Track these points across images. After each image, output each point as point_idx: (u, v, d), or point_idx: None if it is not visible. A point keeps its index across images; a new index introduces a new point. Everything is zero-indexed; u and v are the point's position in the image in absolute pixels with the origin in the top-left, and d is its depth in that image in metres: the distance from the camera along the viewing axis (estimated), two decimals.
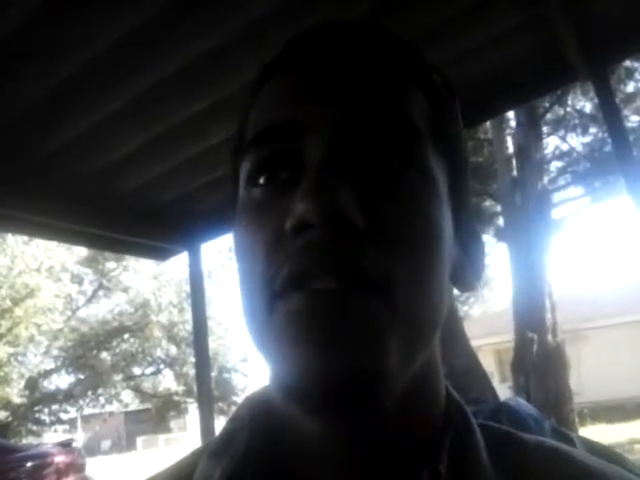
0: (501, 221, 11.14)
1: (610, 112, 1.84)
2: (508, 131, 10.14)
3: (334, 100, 0.42)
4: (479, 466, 0.42)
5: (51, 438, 19.16)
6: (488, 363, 12.23)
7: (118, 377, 22.57)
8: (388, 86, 0.44)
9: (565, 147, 11.93)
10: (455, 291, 0.50)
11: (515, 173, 9.65)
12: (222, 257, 19.92)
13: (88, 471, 10.21)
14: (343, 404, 0.36)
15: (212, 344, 17.86)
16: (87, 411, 24.53)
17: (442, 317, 0.43)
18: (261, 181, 0.43)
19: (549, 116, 11.17)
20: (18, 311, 17.09)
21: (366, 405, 0.37)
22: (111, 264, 21.58)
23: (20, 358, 19.84)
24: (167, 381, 25.36)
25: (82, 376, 22.12)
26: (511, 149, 9.89)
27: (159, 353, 23.88)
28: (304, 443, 0.42)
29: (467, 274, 0.48)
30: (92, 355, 21.78)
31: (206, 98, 1.81)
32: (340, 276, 0.36)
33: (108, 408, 24.52)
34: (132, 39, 1.49)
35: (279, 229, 0.39)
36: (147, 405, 27.14)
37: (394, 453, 0.41)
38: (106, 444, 29.80)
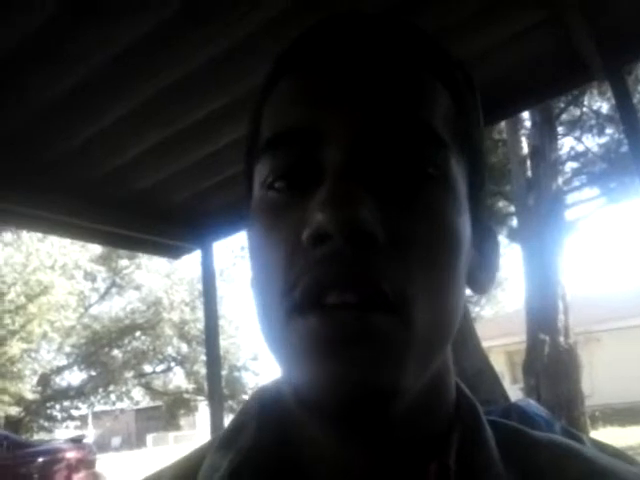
0: (515, 222, 11.08)
1: (627, 112, 1.81)
2: (523, 131, 10.07)
3: (354, 104, 0.41)
4: (488, 461, 0.42)
5: (62, 434, 19.35)
6: (499, 364, 12.19)
7: (129, 374, 22.73)
8: (410, 88, 0.42)
9: (581, 148, 11.86)
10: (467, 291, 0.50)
11: (529, 174, 9.60)
12: (234, 256, 19.99)
13: (98, 467, 10.30)
14: (357, 417, 0.36)
15: (223, 342, 17.92)
16: (98, 408, 24.78)
17: (456, 327, 0.43)
18: (277, 185, 0.42)
19: (565, 116, 11.11)
20: (32, 308, 17.26)
21: (379, 418, 0.37)
22: (124, 262, 21.75)
23: (33, 354, 20.05)
24: (178, 379, 25.55)
25: (94, 373, 22.30)
26: (526, 150, 9.83)
27: (170, 351, 24.04)
28: (311, 439, 0.42)
29: (481, 275, 0.48)
30: (104, 352, 21.96)
31: (217, 100, 1.82)
32: (358, 291, 0.36)
33: (119, 405, 24.72)
34: (144, 43, 1.51)
35: (296, 237, 0.38)
36: (158, 403, 27.34)
37: (403, 451, 0.41)
38: (116, 441, 29.99)
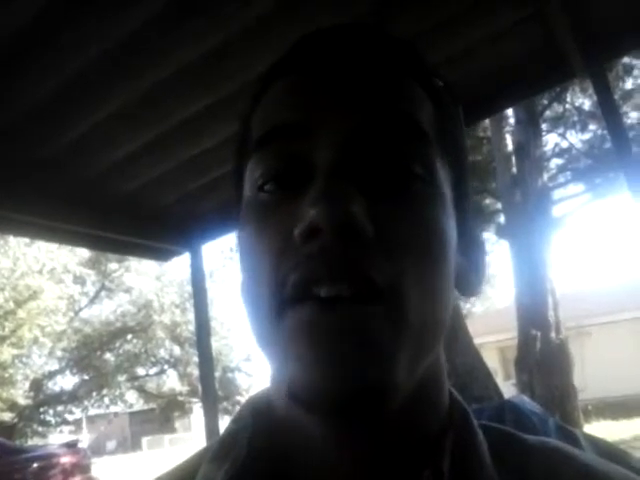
0: (502, 219, 11.12)
1: (609, 109, 1.83)
2: (507, 129, 10.11)
3: (343, 105, 0.42)
4: (481, 466, 0.42)
5: (57, 439, 19.23)
6: (491, 361, 12.21)
7: (122, 378, 22.59)
8: (396, 91, 0.44)
9: (565, 144, 11.92)
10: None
11: (515, 171, 9.64)
12: (223, 257, 19.95)
13: (94, 471, 10.25)
14: (350, 413, 0.36)
15: (215, 344, 17.89)
16: (92, 412, 24.59)
17: (447, 325, 0.43)
18: (267, 187, 0.43)
19: (548, 113, 11.15)
20: (21, 313, 17.10)
21: (373, 414, 0.38)
22: (113, 265, 21.62)
23: (24, 360, 19.87)
24: (171, 381, 25.46)
25: (86, 377, 22.15)
26: (510, 147, 9.87)
27: (163, 353, 23.95)
28: (306, 445, 0.42)
29: (469, 279, 0.49)
30: (96, 356, 21.81)
31: (205, 99, 1.81)
32: (350, 283, 0.36)
33: (113, 409, 24.59)
34: (131, 41, 1.50)
35: (287, 234, 0.39)
36: (152, 405, 27.19)
37: (396, 455, 0.42)
38: (111, 444, 29.81)
